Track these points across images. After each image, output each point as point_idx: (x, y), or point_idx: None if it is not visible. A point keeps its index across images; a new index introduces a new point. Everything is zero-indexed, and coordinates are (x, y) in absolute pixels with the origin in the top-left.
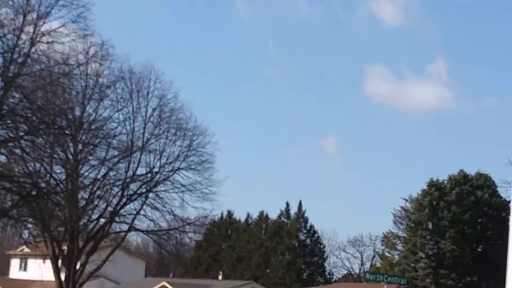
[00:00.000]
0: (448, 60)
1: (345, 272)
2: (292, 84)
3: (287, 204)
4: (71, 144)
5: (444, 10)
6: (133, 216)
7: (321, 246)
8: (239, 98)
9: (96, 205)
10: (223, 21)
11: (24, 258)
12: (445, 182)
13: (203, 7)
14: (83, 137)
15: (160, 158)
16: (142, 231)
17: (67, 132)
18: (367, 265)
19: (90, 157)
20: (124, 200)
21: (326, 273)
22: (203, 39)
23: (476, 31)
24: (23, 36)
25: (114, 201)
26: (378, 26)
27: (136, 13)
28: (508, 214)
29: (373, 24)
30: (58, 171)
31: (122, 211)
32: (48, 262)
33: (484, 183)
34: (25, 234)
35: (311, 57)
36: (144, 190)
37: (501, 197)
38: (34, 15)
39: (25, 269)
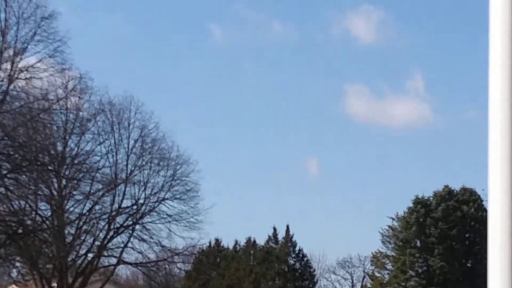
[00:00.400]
0: (425, 75)
1: None
2: (270, 105)
3: (274, 229)
4: (55, 180)
5: (417, 25)
6: (121, 249)
7: (311, 270)
8: (219, 124)
9: (84, 240)
10: (198, 45)
11: None
12: (431, 198)
13: (177, 33)
14: (67, 172)
15: (145, 189)
16: (131, 264)
17: (50, 168)
18: (358, 286)
19: (74, 192)
20: (111, 233)
21: None
22: (179, 65)
23: (451, 44)
24: (1, 74)
25: (101, 235)
26: (354, 44)
27: (112, 44)
28: None
29: (348, 43)
30: (43, 207)
31: (109, 244)
32: None
33: (470, 197)
34: (14, 273)
35: (288, 78)
36: (130, 222)
37: (487, 211)
38: (11, 52)
39: None
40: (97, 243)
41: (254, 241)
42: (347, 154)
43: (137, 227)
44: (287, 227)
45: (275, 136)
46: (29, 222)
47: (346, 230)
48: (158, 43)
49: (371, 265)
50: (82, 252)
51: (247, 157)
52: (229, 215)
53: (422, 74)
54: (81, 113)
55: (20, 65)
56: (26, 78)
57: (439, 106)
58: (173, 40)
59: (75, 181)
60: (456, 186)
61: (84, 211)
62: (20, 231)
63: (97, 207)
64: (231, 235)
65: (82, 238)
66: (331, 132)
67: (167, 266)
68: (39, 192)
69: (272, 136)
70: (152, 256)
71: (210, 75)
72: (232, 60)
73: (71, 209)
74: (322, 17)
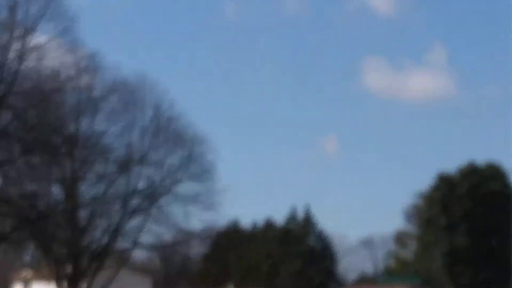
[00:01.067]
0: (447, 48)
1: (358, 275)
2: (288, 83)
3: (294, 209)
4: (67, 162)
5: None
6: (136, 232)
7: (332, 251)
8: (235, 102)
9: (98, 224)
10: (211, 23)
11: (27, 282)
12: (455, 175)
13: (190, 9)
14: (80, 154)
15: (161, 170)
16: (146, 247)
17: (62, 150)
18: (381, 267)
19: (88, 174)
20: (126, 216)
21: (338, 278)
22: (193, 42)
23: (472, 15)
24: (11, 54)
25: (116, 218)
26: (371, 17)
27: (124, 22)
28: None
29: (366, 17)
30: (56, 191)
31: (125, 228)
32: (53, 284)
33: (495, 174)
34: (27, 257)
35: (304, 54)
36: (146, 205)
37: None
38: (21, 31)
39: None
40: (111, 226)
41: (273, 222)
42: (366, 130)
43: (153, 209)
44: (307, 206)
45: (293, 113)
46: (41, 205)
47: (368, 208)
48: (172, 22)
49: (394, 244)
50: (97, 236)
51: (264, 136)
52: (247, 195)
53: (443, 47)
54: (93, 93)
55: (30, 45)
56: (37, 59)
57: (461, 79)
58: (188, 17)
59: (89, 163)
60: (481, 160)
61: (98, 194)
62: (32, 215)
63: (111, 189)
64: (249, 216)
65: (97, 221)
66: (350, 108)
67: (184, 249)
68: (52, 175)
69: (290, 113)
70: (169, 239)
71: (224, 52)
72: (247, 37)
73: (85, 192)
74: None
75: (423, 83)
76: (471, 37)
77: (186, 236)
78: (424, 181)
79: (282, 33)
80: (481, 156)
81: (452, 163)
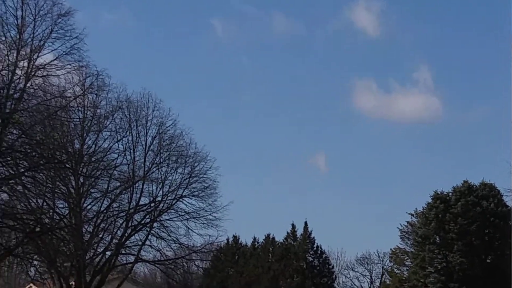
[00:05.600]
0: (433, 68)
1: None
2: (274, 104)
3: (293, 226)
4: (72, 178)
5: (418, 15)
6: (139, 247)
7: (330, 266)
8: (231, 122)
9: (101, 238)
10: (201, 43)
11: None
12: (450, 194)
13: (181, 27)
14: (84, 170)
15: (163, 186)
16: (148, 261)
17: (67, 165)
18: (377, 283)
19: (92, 190)
20: (128, 231)
21: None
22: (188, 62)
23: (455, 34)
24: (18, 71)
25: (119, 232)
26: (358, 37)
27: (128, 43)
28: None
29: (352, 36)
30: (61, 205)
31: (127, 242)
32: None
33: (489, 192)
34: (32, 271)
35: (292, 74)
36: (148, 220)
37: (507, 206)
38: (28, 50)
39: None
40: (114, 241)
41: (273, 238)
42: (356, 149)
43: (155, 224)
44: (305, 223)
45: (285, 133)
46: (46, 220)
47: (365, 226)
48: (163, 38)
49: (390, 261)
50: (100, 250)
51: (261, 155)
52: (247, 212)
53: (429, 67)
54: (98, 111)
55: (37, 63)
56: (43, 76)
57: (449, 99)
58: (178, 34)
59: (93, 179)
60: (475, 181)
61: (102, 209)
62: (37, 229)
63: (114, 204)
64: (249, 232)
65: (100, 236)
66: (342, 129)
67: (185, 263)
68: (57, 190)
69: (282, 132)
70: (170, 254)
71: (211, 72)
72: (233, 56)
73: (89, 207)
74: (323, 10)
75: (412, 103)
76: (457, 57)
77: (187, 251)
78: (420, 200)
79: (270, 51)
80: (472, 176)
81: (448, 184)
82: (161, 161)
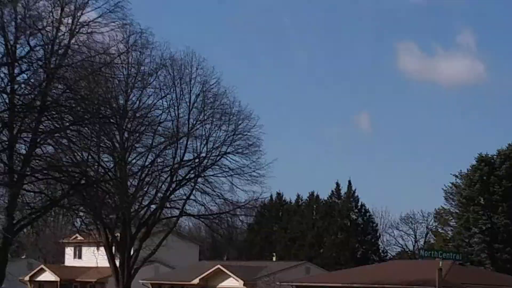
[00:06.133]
0: (477, 31)
1: (399, 249)
2: (323, 65)
3: (337, 184)
4: (117, 133)
5: None
6: (183, 201)
7: (374, 225)
8: (277, 80)
9: (146, 192)
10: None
11: (78, 246)
12: (495, 157)
13: None
14: (129, 125)
15: (207, 143)
16: (193, 215)
17: (112, 120)
18: (421, 242)
19: (136, 145)
20: (173, 185)
21: (380, 251)
22: (239, 22)
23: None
24: (62, 28)
25: (164, 187)
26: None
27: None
28: None
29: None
30: (106, 159)
31: (172, 196)
32: (102, 249)
33: None
34: (77, 222)
35: (337, 37)
36: (192, 175)
37: None
38: (72, 7)
39: (79, 257)
40: (159, 194)
41: (317, 196)
42: (399, 110)
43: (199, 180)
44: (349, 182)
45: (331, 92)
46: (92, 173)
47: (409, 186)
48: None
49: (435, 221)
50: (145, 203)
51: (305, 113)
52: (290, 170)
53: (473, 30)
54: (142, 68)
55: (81, 20)
56: (87, 33)
57: (492, 62)
58: None
59: (137, 134)
60: None
61: (147, 164)
62: (83, 181)
63: (159, 159)
64: (293, 190)
65: (145, 189)
66: (385, 90)
67: (229, 218)
68: (102, 144)
69: (327, 92)
70: (214, 209)
71: (258, 32)
72: (277, 19)
73: (134, 161)
74: None
75: (455, 66)
76: (500, 21)
77: (232, 207)
78: (464, 162)
79: (317, 14)
80: None
81: (490, 146)
82: (205, 118)
